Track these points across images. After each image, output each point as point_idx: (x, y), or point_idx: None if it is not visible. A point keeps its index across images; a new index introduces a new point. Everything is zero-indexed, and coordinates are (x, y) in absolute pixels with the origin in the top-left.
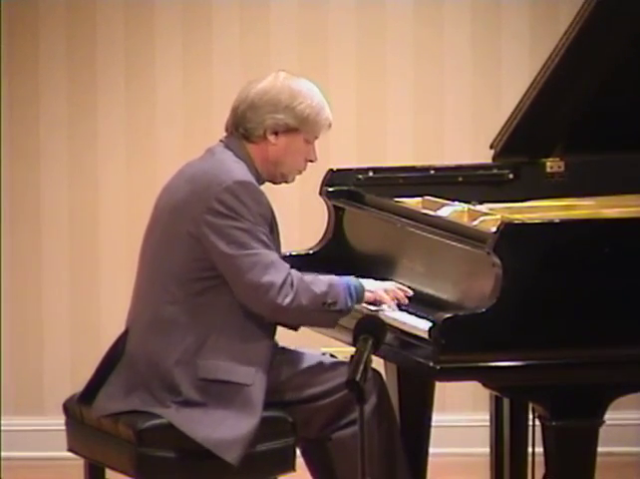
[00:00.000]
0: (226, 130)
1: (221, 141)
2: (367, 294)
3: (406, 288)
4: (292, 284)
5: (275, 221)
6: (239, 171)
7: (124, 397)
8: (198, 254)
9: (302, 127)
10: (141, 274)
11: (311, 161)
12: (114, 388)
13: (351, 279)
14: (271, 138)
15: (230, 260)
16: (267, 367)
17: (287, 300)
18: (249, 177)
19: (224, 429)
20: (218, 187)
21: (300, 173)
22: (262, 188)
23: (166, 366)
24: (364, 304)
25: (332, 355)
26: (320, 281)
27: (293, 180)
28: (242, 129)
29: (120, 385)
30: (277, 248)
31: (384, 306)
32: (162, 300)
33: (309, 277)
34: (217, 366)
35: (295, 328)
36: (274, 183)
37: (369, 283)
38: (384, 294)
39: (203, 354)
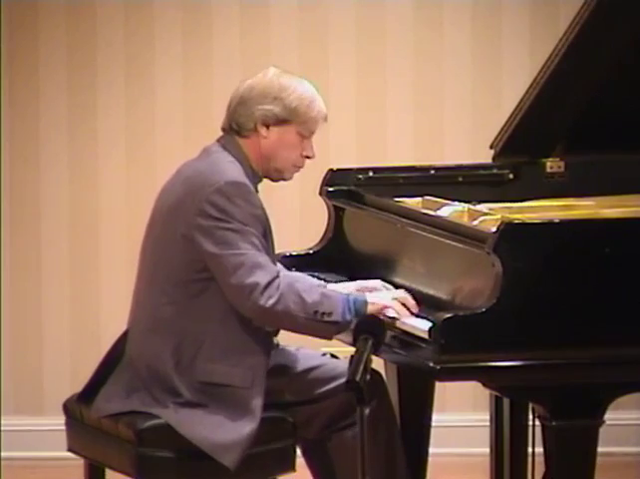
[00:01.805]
0: (222, 129)
1: (218, 140)
2: (369, 308)
3: (412, 302)
4: (278, 287)
5: (268, 223)
6: (232, 171)
7: (124, 398)
8: (193, 256)
9: (293, 118)
10: (140, 275)
11: (308, 157)
12: (113, 389)
13: (352, 293)
14: (262, 130)
15: (217, 260)
16: (265, 370)
17: (270, 302)
18: (242, 177)
19: (222, 432)
20: (210, 188)
21: (297, 169)
22: (260, 188)
23: (166, 369)
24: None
25: (332, 355)
26: (314, 291)
27: (291, 177)
28: (234, 124)
29: (120, 386)
30: (271, 250)
31: (393, 314)
32: (160, 302)
33: (305, 286)
34: (215, 370)
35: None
36: (272, 180)
37: (373, 296)
38: (388, 303)
39: (201, 357)
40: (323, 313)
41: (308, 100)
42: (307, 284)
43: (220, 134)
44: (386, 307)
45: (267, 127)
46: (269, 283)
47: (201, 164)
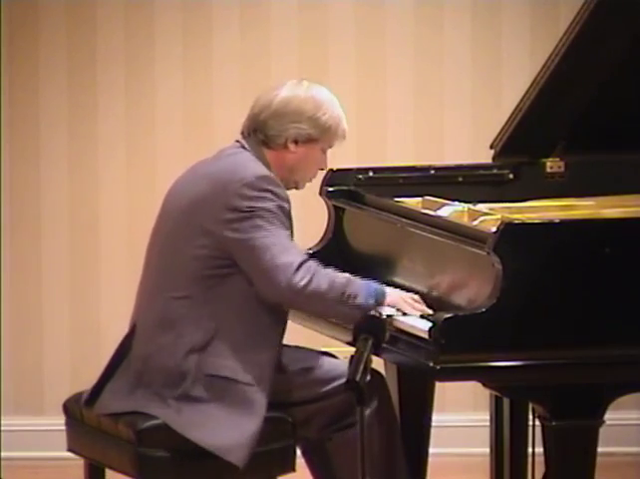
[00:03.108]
0: (242, 133)
1: (237, 141)
2: (388, 299)
3: (423, 306)
4: (310, 268)
5: (291, 218)
6: (258, 167)
7: (127, 395)
8: (212, 251)
9: (322, 137)
10: (148, 270)
11: (322, 169)
12: (119, 384)
13: (372, 282)
14: (291, 146)
15: (248, 243)
16: (273, 369)
17: (304, 282)
18: (269, 172)
19: (227, 431)
20: (239, 182)
21: (311, 180)
22: None
23: (174, 360)
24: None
25: (332, 355)
26: (340, 274)
27: (303, 187)
28: (262, 135)
29: (125, 381)
30: None
31: (391, 310)
32: (173, 295)
33: (329, 269)
34: (223, 364)
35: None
36: (285, 188)
37: (391, 289)
38: (403, 303)
39: (211, 351)
40: (349, 295)
41: (338, 119)
42: (331, 269)
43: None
44: (401, 306)
45: (296, 143)
46: (302, 263)
47: (224, 162)
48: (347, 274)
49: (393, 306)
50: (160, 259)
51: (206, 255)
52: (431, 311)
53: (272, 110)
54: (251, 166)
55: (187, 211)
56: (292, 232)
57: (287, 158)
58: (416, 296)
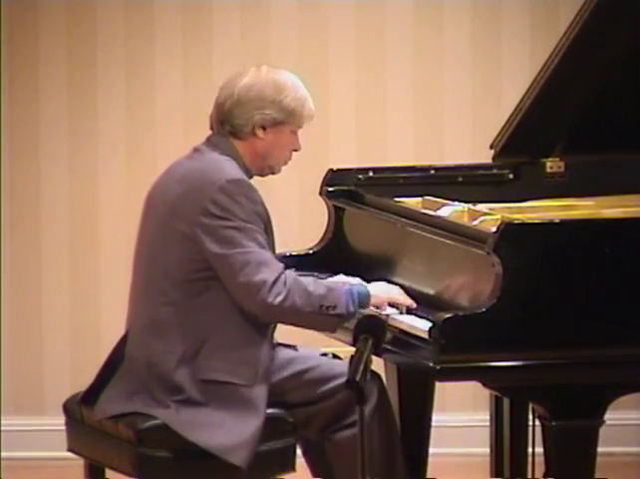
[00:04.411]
0: (211, 127)
1: (208, 139)
2: (373, 300)
3: (410, 300)
4: (285, 283)
5: (269, 219)
6: (231, 169)
7: (125, 400)
8: (194, 255)
9: (288, 119)
10: (136, 276)
11: (295, 150)
12: (115, 391)
13: (355, 284)
14: (259, 133)
15: (222, 260)
16: (268, 367)
17: (279, 299)
18: (242, 174)
19: (227, 431)
20: (212, 186)
21: (286, 163)
22: (260, 187)
23: (167, 368)
24: (373, 309)
25: (334, 355)
26: (319, 284)
27: (279, 171)
28: (229, 126)
29: (121, 388)
30: (272, 247)
31: (391, 310)
32: (159, 302)
33: (308, 280)
34: (217, 367)
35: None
36: (261, 176)
37: (375, 288)
38: (388, 299)
39: (203, 355)
40: (328, 307)
41: (302, 100)
42: (311, 278)
43: None
44: (387, 302)
45: (264, 129)
46: (276, 280)
47: (198, 163)
48: (326, 282)
49: (379, 306)
50: (146, 265)
51: (188, 260)
52: (415, 305)
53: (235, 98)
54: (224, 166)
55: (165, 216)
56: (272, 233)
57: (257, 145)
58: (400, 290)
